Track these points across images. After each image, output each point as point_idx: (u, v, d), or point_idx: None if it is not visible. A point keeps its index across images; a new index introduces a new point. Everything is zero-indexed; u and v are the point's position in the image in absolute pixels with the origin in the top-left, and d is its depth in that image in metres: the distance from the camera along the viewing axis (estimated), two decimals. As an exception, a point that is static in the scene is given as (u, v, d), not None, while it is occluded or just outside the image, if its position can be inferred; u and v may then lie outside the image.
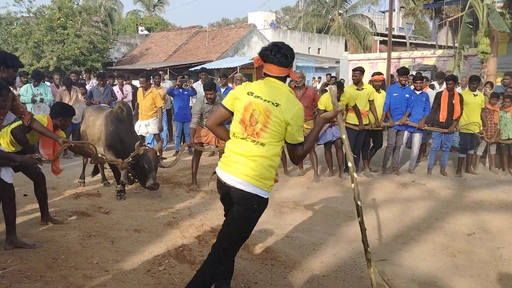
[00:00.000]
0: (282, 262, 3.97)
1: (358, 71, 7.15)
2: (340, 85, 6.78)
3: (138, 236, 4.55)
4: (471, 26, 11.66)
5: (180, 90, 9.08)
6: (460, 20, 12.74)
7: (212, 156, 8.93)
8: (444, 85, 8.96)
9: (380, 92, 7.45)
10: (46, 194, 4.82)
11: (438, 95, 7.42)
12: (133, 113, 9.95)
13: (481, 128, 7.34)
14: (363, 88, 7.11)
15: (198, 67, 17.75)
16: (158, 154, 5.72)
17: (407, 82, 7.45)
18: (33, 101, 8.39)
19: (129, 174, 5.73)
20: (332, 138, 6.98)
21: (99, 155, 5.47)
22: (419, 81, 7.40)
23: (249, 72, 17.43)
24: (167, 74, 16.40)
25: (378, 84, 7.41)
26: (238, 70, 17.61)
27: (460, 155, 7.51)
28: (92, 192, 6.17)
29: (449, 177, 7.33)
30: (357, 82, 7.13)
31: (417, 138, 7.46)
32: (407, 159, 7.93)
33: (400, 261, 4.08)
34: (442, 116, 7.17)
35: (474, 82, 7.34)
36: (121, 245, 4.30)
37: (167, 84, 10.57)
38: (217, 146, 6.69)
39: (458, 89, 9.37)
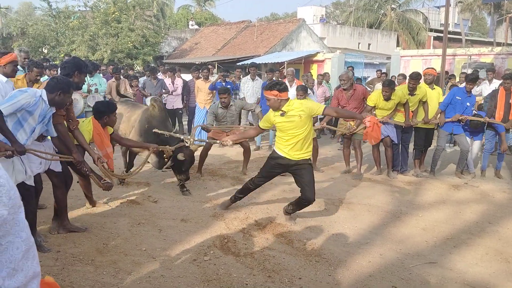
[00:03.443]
0: (326, 259, 3.93)
1: (416, 80, 6.79)
2: (391, 84, 6.59)
3: (184, 225, 4.65)
4: (535, 22, 11.00)
5: (223, 83, 9.19)
6: (523, 15, 12.03)
7: (257, 150, 8.96)
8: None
9: (434, 88, 7.18)
10: (66, 199, 4.37)
11: (495, 94, 7.05)
12: (181, 106, 10.38)
13: None
14: (415, 94, 6.85)
15: (246, 62, 17.87)
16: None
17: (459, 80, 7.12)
18: (89, 91, 8.74)
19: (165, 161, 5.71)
20: (381, 136, 6.80)
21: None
22: (470, 84, 6.93)
23: (297, 67, 17.32)
24: (215, 68, 16.62)
25: (430, 78, 7.12)
26: (285, 65, 17.55)
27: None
28: (141, 181, 6.36)
29: (504, 179, 6.97)
30: (412, 90, 6.85)
31: (476, 144, 7.17)
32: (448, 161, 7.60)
33: (451, 264, 3.93)
34: (499, 115, 6.80)
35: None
36: (168, 233, 4.41)
37: (215, 78, 10.71)
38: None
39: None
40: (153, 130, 5.65)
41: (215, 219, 4.86)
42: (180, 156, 5.38)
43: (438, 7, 35.59)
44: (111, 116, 4.81)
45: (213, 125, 6.83)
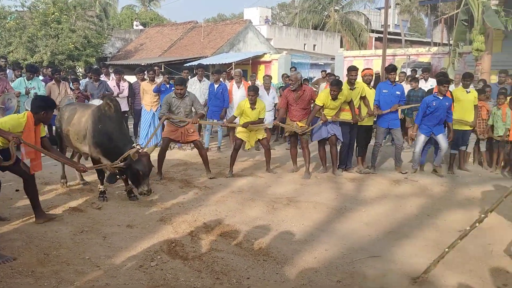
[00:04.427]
0: (274, 258, 3.98)
1: (355, 71, 7.14)
2: (339, 83, 6.77)
3: (130, 231, 4.54)
4: (466, 24, 11.66)
5: (168, 86, 9.09)
6: (455, 17, 12.73)
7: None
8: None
9: (371, 88, 7.47)
10: (36, 191, 4.76)
11: (430, 92, 7.45)
12: (127, 109, 10.12)
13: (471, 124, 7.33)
14: (355, 87, 7.12)
15: (193, 63, 17.73)
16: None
17: (399, 79, 7.45)
18: (27, 93, 8.34)
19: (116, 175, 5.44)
20: (327, 135, 6.99)
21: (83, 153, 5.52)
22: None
23: (244, 68, 17.39)
24: (162, 69, 16.37)
25: (369, 78, 7.41)
26: (233, 65, 17.58)
27: (452, 152, 7.54)
28: (84, 187, 6.15)
29: (442, 174, 7.35)
30: (354, 81, 7.12)
31: (441, 138, 7.38)
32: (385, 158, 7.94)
33: (392, 257, 4.10)
34: None
35: (468, 79, 7.36)
36: (113, 240, 4.29)
37: (160, 79, 10.55)
38: (182, 143, 7.74)
39: (451, 87, 9.44)
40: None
41: (163, 223, 4.79)
42: (134, 155, 5.07)
43: (379, 9, 37.00)
44: (49, 112, 4.66)
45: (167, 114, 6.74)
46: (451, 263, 3.95)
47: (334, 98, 6.78)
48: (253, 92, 7.01)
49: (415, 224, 4.97)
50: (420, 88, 9.11)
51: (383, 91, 7.27)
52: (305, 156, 7.09)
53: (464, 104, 7.27)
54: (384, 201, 5.87)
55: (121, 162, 5.15)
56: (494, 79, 10.05)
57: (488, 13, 10.43)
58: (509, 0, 11.71)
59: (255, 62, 19.43)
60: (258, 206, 5.50)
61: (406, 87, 9.22)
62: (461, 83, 7.64)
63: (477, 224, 3.59)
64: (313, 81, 15.46)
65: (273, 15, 37.07)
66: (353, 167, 7.47)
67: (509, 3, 11.59)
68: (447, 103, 6.90)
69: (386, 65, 9.62)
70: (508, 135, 7.26)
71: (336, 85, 6.71)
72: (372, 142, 7.77)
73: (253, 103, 7.02)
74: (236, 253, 4.06)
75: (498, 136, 7.36)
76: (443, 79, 7.01)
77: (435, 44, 21.44)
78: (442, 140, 6.99)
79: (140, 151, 5.21)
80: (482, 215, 3.62)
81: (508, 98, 7.38)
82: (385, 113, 7.21)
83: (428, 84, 9.54)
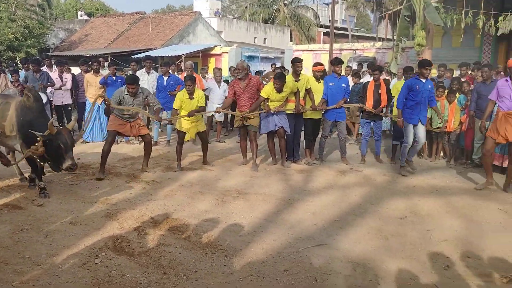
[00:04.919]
0: (223, 250, 3.99)
1: (300, 63, 7.28)
2: (281, 76, 6.85)
3: (73, 229, 4.40)
4: (409, 20, 12.13)
5: (114, 78, 8.85)
6: (399, 13, 13.21)
7: (155, 146, 8.75)
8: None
9: (320, 82, 7.62)
10: None
11: (365, 85, 7.70)
12: (70, 101, 9.73)
13: None
14: (300, 79, 7.25)
15: (141, 55, 17.30)
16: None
17: (344, 73, 7.64)
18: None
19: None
20: (275, 128, 7.07)
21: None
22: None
23: (195, 61, 17.20)
24: (107, 61, 15.86)
25: (319, 74, 7.56)
26: (183, 58, 17.34)
27: (393, 143, 7.85)
28: (25, 184, 5.88)
29: (384, 164, 7.65)
30: (299, 73, 7.25)
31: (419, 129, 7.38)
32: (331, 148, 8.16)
33: (337, 245, 4.23)
34: (369, 104, 7.46)
35: (409, 73, 7.66)
36: (56, 238, 4.14)
37: (106, 71, 10.23)
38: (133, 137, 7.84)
39: (394, 80, 9.81)
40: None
41: (108, 220, 4.67)
42: (51, 127, 4.85)
43: (327, 4, 37.65)
44: None
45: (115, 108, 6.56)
46: (392, 249, 4.14)
47: (279, 90, 6.87)
48: (190, 81, 6.94)
49: (359, 213, 5.14)
50: (360, 83, 9.38)
51: (330, 84, 7.44)
52: (252, 149, 7.14)
53: (406, 97, 7.56)
54: (330, 191, 6.02)
55: (39, 141, 4.93)
56: (434, 73, 10.53)
57: (429, 10, 10.90)
58: (448, -2, 12.30)
59: (205, 54, 19.25)
60: (208, 199, 5.49)
61: (352, 81, 9.48)
62: (403, 77, 7.94)
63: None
64: (263, 74, 15.56)
65: (223, 8, 36.85)
66: (301, 159, 7.61)
67: (448, 1, 12.18)
68: (429, 86, 6.82)
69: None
70: (446, 126, 7.65)
71: (278, 78, 6.78)
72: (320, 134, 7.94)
73: (191, 93, 6.96)
74: (184, 247, 4.03)
75: (437, 127, 7.73)
76: (425, 62, 6.84)
77: (380, 39, 22.19)
78: (422, 132, 6.85)
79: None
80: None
81: (446, 91, 7.76)
82: (330, 108, 7.38)
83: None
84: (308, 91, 7.34)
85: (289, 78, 7.15)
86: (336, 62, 7.57)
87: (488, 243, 4.27)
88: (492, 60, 12.24)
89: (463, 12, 11.04)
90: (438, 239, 4.39)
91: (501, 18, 10.30)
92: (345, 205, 5.41)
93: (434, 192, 6.02)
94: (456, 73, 9.28)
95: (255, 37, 28.31)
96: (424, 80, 6.72)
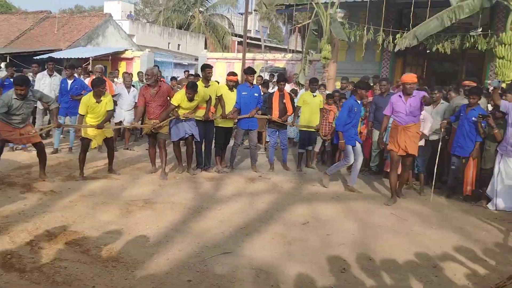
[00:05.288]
0: (124, 263, 3.85)
1: (210, 69, 7.33)
2: (194, 86, 6.82)
3: (-46, 245, 3.98)
4: (316, 33, 12.79)
5: (12, 79, 8.20)
6: (307, 27, 13.85)
7: (56, 153, 8.22)
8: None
9: (233, 91, 7.70)
10: None
11: (270, 96, 7.95)
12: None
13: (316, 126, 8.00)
14: (210, 85, 7.30)
15: (45, 56, 16.25)
16: None
17: (256, 82, 7.81)
18: None
19: None
20: (185, 135, 7.02)
21: None
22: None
23: (104, 64, 16.48)
24: (6, 61, 14.66)
25: (232, 84, 7.65)
26: (90, 61, 16.57)
27: (299, 151, 8.17)
28: None
29: (291, 171, 7.92)
30: (209, 79, 7.29)
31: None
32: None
33: (243, 252, 4.28)
34: (274, 115, 7.71)
35: (314, 84, 8.06)
36: None
37: (3, 73, 9.45)
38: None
39: (301, 90, 10.23)
40: None
41: (-3, 234, 4.29)
42: None
43: (242, 14, 38.31)
44: None
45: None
46: (294, 254, 4.29)
47: (190, 100, 6.85)
48: (103, 85, 6.70)
49: (265, 219, 5.26)
50: (267, 93, 9.61)
51: (243, 93, 7.55)
52: (161, 157, 7.00)
53: (311, 107, 7.93)
54: (239, 198, 6.10)
55: None
56: (339, 85, 11.16)
57: (334, 25, 11.56)
58: (353, 15, 13.15)
59: (115, 58, 18.57)
60: (111, 210, 5.27)
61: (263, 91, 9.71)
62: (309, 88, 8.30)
63: None
64: (177, 80, 15.37)
65: (136, 11, 35.82)
66: (211, 167, 7.62)
67: (352, 17, 13.02)
68: (361, 108, 7.03)
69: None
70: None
71: (191, 88, 6.76)
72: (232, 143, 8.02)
73: (97, 97, 6.69)
74: (82, 261, 3.83)
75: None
76: (364, 84, 6.93)
77: (291, 51, 23.05)
78: (360, 151, 6.82)
79: None
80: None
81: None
82: (242, 118, 7.51)
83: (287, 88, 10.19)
84: (220, 99, 7.38)
85: (199, 84, 7.15)
86: (249, 71, 7.72)
87: (380, 245, 4.60)
88: (390, 74, 13.29)
89: (365, 28, 11.88)
90: (336, 243, 4.63)
91: (398, 35, 11.23)
92: (253, 212, 5.50)
93: (335, 198, 6.35)
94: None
95: (169, 43, 27.91)
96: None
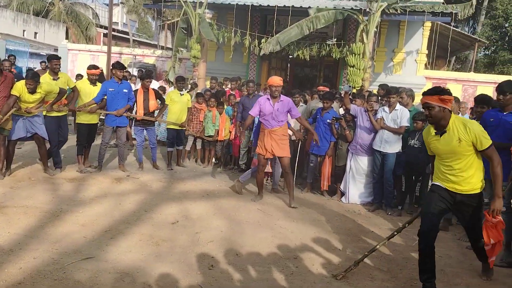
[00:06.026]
0: (-34, 277, 3.40)
1: (58, 60, 6.94)
2: (34, 76, 6.24)
3: None
4: (185, 32, 12.76)
5: None
6: (177, 24, 13.74)
7: None
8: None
9: (96, 85, 7.29)
10: None
11: (134, 93, 7.67)
12: None
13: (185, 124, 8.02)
14: (59, 78, 6.88)
15: None
16: None
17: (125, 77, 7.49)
18: None
19: None
20: (26, 134, 6.45)
21: None
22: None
23: None
24: None
25: (95, 78, 7.24)
26: None
27: (168, 149, 8.08)
28: None
29: (161, 170, 7.78)
30: (57, 71, 6.85)
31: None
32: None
33: (106, 256, 4.09)
34: (140, 113, 7.53)
35: (181, 82, 8.04)
36: None
37: None
38: None
39: (171, 88, 10.13)
40: None
41: None
42: None
43: (107, 5, 36.31)
44: None
45: None
46: (162, 254, 4.24)
47: (31, 92, 6.27)
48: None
49: (132, 221, 5.09)
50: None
51: (110, 89, 7.16)
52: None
53: (180, 106, 7.90)
54: (104, 200, 5.80)
55: None
56: (209, 84, 11.29)
57: (203, 25, 11.67)
58: (221, 16, 13.42)
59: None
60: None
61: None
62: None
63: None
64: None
65: (-17, -8, 31.58)
66: (73, 166, 7.11)
67: (220, 19, 13.28)
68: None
69: (112, 62, 9.56)
70: (218, 135, 8.28)
71: (31, 78, 6.19)
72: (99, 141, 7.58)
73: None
74: None
75: (208, 136, 8.30)
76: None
77: (161, 48, 22.63)
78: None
79: None
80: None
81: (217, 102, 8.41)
82: (109, 114, 7.15)
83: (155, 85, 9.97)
84: (73, 91, 6.99)
85: (46, 78, 6.61)
86: (117, 66, 7.33)
87: (247, 240, 4.79)
88: (257, 77, 13.88)
89: (233, 30, 12.21)
90: (205, 241, 4.69)
91: (263, 40, 11.78)
92: (118, 214, 5.28)
93: (205, 196, 6.42)
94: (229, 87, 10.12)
95: (24, 30, 25.18)
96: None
